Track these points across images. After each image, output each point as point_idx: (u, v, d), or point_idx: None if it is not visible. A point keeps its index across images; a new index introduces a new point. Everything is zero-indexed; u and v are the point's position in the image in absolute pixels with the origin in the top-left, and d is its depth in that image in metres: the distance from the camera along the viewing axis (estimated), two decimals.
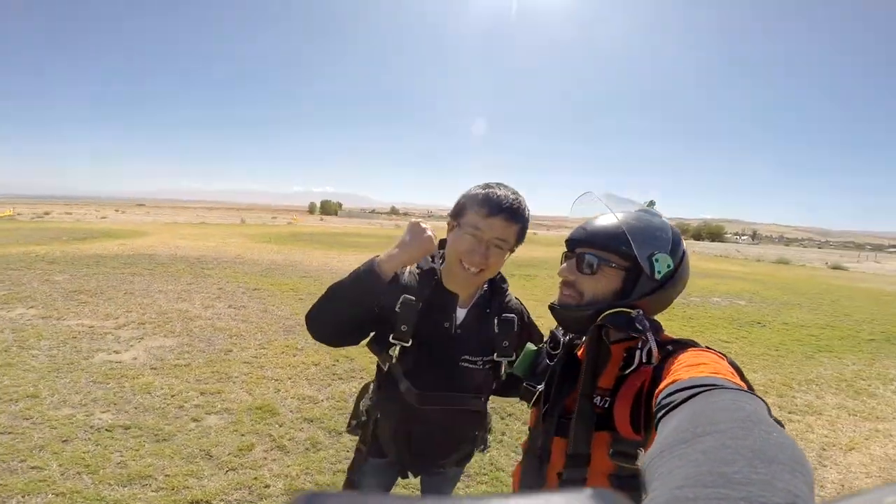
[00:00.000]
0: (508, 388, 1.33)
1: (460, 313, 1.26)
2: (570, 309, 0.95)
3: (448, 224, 1.24)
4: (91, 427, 2.86)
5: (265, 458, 2.64)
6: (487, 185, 1.18)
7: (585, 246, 0.96)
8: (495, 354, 1.25)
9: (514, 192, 1.17)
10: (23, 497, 2.18)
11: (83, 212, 44.41)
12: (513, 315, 1.28)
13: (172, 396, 3.37)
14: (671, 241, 0.94)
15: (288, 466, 2.56)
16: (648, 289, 0.92)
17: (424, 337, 1.22)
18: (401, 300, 1.20)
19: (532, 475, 0.97)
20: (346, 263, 11.06)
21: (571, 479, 0.89)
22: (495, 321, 1.26)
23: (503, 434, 3.19)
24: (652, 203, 1.05)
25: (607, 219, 0.97)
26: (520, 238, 1.20)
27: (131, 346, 4.51)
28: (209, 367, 4.05)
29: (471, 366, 1.24)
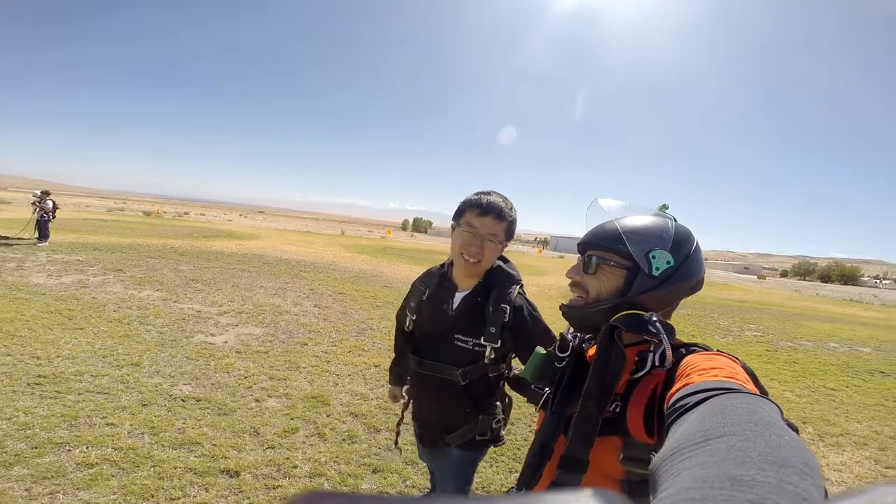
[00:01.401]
0: (519, 386, 1.35)
1: (457, 298, 1.48)
2: (578, 308, 0.98)
3: (451, 227, 1.49)
4: (171, 396, 3.26)
5: (304, 443, 2.81)
6: (481, 192, 1.43)
7: (590, 248, 1.00)
8: (482, 338, 1.40)
9: (503, 197, 1.43)
10: (87, 448, 2.51)
11: (214, 214, 51.32)
12: (506, 306, 1.40)
13: (245, 378, 3.74)
14: (672, 239, 0.94)
15: (320, 452, 2.70)
16: (648, 286, 0.92)
17: (427, 314, 1.53)
18: (412, 286, 1.62)
19: (531, 474, 0.96)
20: None
21: (561, 483, 0.86)
22: (489, 309, 1.41)
23: None
24: (665, 207, 1.05)
25: (610, 222, 1.00)
26: (508, 235, 1.45)
27: (226, 330, 5.10)
28: (284, 356, 4.43)
29: (463, 345, 1.43)
